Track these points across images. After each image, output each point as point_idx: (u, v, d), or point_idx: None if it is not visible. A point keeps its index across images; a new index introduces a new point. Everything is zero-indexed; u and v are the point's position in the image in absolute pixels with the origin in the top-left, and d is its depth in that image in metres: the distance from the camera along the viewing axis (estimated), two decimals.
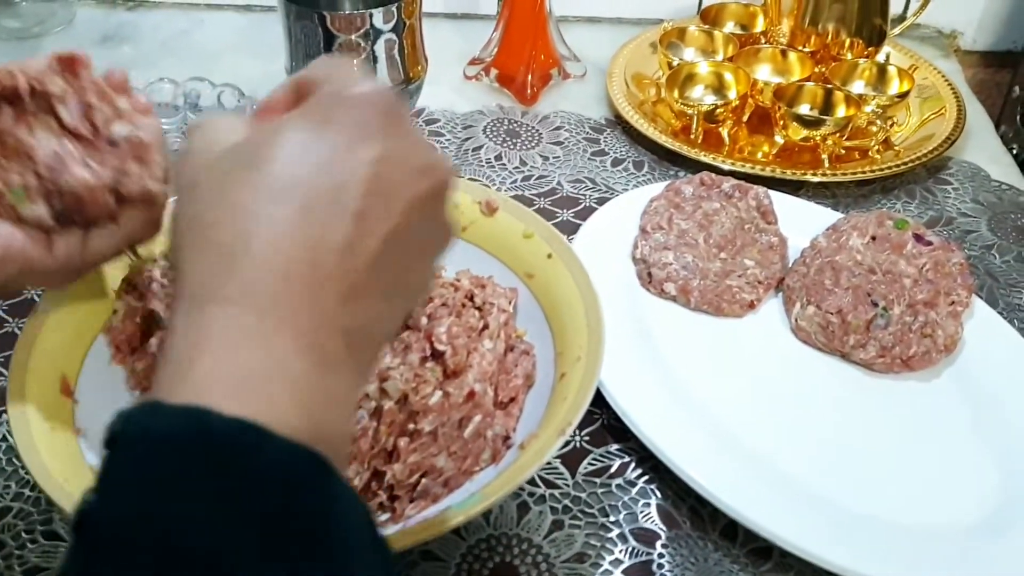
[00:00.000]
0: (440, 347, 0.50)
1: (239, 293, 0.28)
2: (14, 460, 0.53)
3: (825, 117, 0.78)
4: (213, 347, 0.27)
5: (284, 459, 0.26)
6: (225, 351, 0.27)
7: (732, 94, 0.81)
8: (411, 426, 0.48)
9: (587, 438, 0.56)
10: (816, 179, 0.76)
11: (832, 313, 0.60)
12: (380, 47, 0.65)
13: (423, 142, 0.33)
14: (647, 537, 0.51)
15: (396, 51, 0.66)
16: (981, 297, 0.65)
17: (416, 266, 0.33)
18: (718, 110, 0.79)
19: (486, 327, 0.53)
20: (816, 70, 0.84)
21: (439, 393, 0.49)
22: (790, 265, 0.66)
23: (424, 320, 0.52)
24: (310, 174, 0.29)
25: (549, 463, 0.53)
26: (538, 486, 0.53)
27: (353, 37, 0.64)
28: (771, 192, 0.69)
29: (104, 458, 0.26)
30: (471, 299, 0.55)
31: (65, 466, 0.44)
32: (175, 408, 0.26)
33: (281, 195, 0.28)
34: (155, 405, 0.26)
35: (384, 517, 0.48)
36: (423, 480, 0.48)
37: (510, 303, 0.56)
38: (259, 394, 0.27)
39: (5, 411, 0.54)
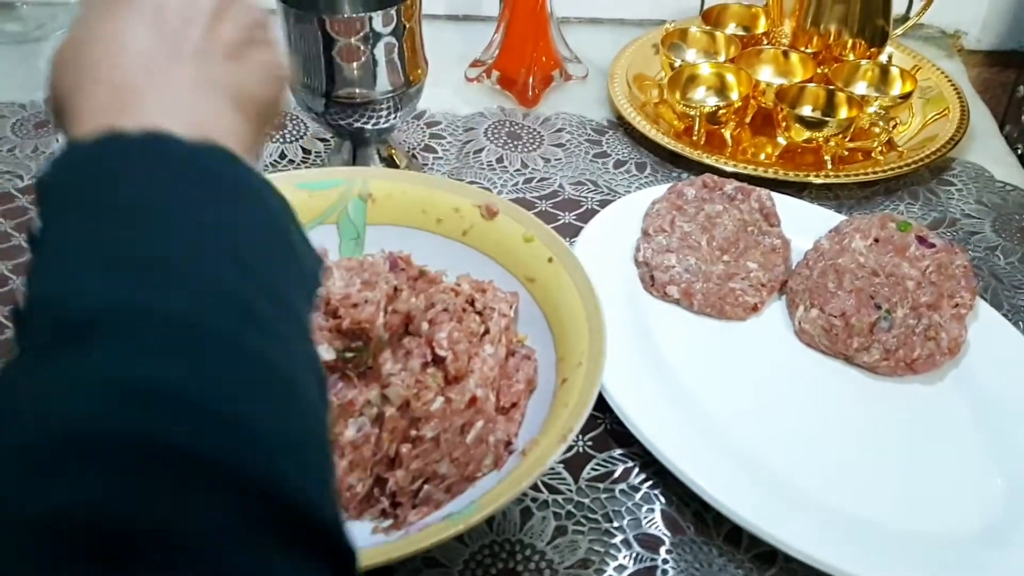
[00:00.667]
0: (441, 353, 0.50)
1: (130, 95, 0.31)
2: None
3: (827, 118, 0.77)
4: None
5: (197, 148, 0.30)
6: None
7: (734, 95, 0.81)
8: (413, 432, 0.48)
9: (590, 443, 0.55)
10: (819, 181, 0.75)
11: (835, 316, 0.60)
12: (380, 50, 0.65)
13: None
14: (651, 543, 0.50)
15: (396, 54, 0.65)
16: (985, 299, 0.64)
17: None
18: (720, 111, 0.79)
19: (487, 332, 0.53)
20: (818, 71, 0.83)
21: (441, 399, 0.48)
22: (793, 268, 0.65)
23: (425, 326, 0.51)
24: None
25: (552, 468, 0.53)
26: (541, 492, 0.52)
27: (352, 41, 0.63)
28: (774, 194, 0.69)
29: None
30: (472, 304, 0.55)
31: None
32: (90, 138, 0.29)
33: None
34: (72, 142, 0.30)
35: (386, 524, 0.48)
36: (425, 486, 0.48)
37: (511, 308, 0.56)
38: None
39: None
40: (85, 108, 0.30)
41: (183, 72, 0.32)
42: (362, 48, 0.64)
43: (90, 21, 0.33)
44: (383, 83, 0.66)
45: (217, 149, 0.30)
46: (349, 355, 0.49)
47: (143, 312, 0.25)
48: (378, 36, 0.64)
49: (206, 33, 0.33)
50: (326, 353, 0.49)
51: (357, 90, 0.66)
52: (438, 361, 0.50)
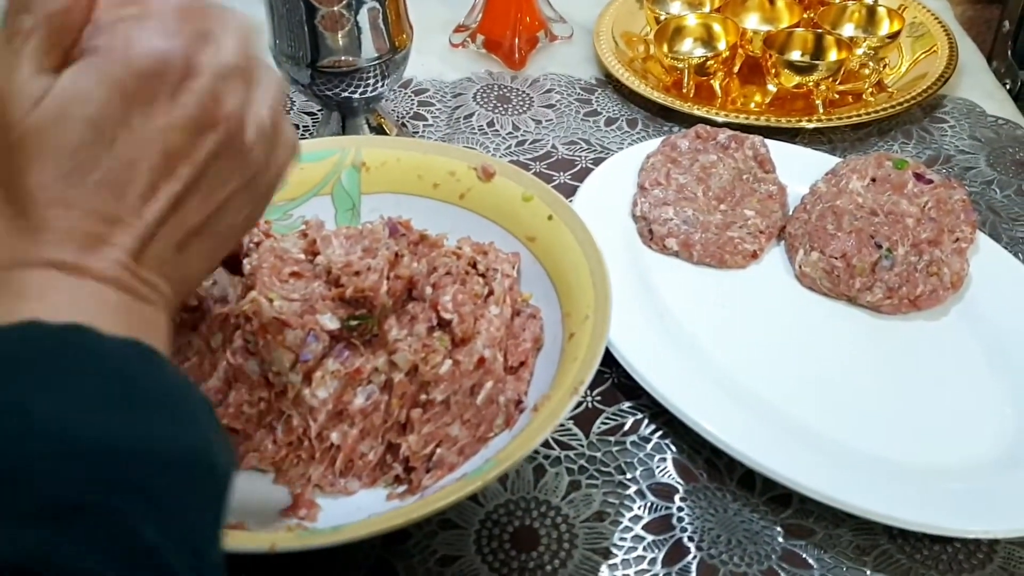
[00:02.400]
0: (447, 316, 0.50)
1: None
2: None
3: (817, 62, 0.77)
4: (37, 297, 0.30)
5: (118, 348, 0.29)
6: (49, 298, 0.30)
7: (722, 45, 0.80)
8: (423, 396, 0.48)
9: (598, 398, 0.55)
10: (811, 125, 0.75)
11: (836, 258, 0.60)
12: (364, 17, 0.64)
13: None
14: (665, 492, 0.51)
15: (380, 20, 0.65)
16: (984, 232, 0.64)
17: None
18: (708, 62, 0.78)
19: (491, 293, 0.53)
20: (805, 16, 0.83)
21: (449, 362, 0.48)
22: (791, 213, 0.65)
23: (429, 290, 0.51)
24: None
25: (562, 425, 0.53)
26: (553, 448, 0.53)
27: (336, 8, 0.63)
28: (767, 141, 0.69)
29: None
30: (474, 266, 0.54)
31: None
32: (11, 326, 0.28)
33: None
34: None
35: (401, 489, 0.48)
36: (438, 450, 0.48)
37: (513, 268, 0.55)
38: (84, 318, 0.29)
39: None
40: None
41: (122, 267, 0.31)
42: (345, 15, 0.63)
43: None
44: (368, 50, 0.65)
45: (139, 349, 0.29)
46: (353, 323, 0.49)
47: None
48: (361, 2, 0.63)
49: (168, 213, 0.32)
50: (330, 323, 0.48)
51: (343, 58, 0.65)
52: (444, 324, 0.50)
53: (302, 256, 0.52)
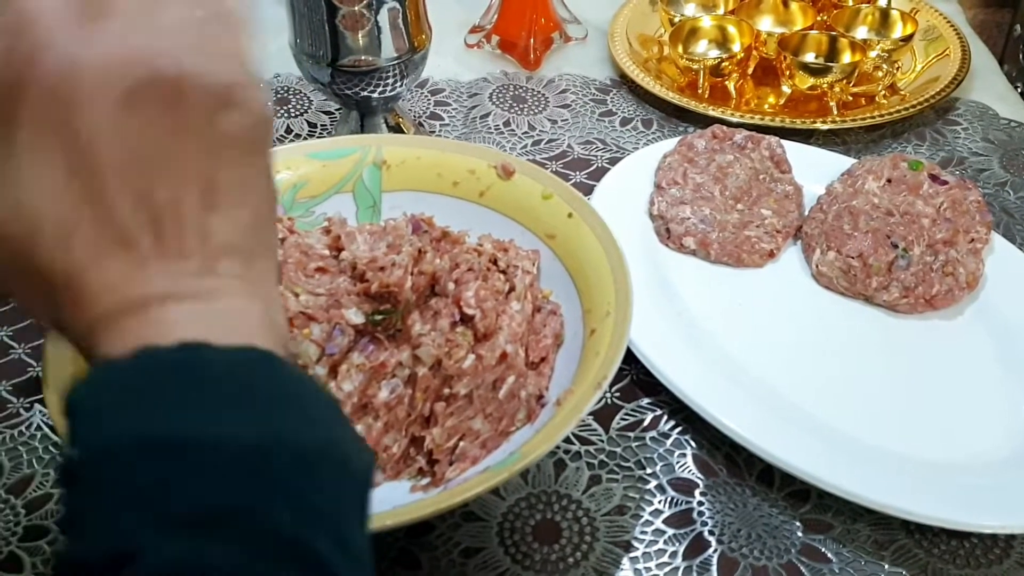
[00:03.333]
0: (469, 311, 0.51)
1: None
2: (51, 448, 0.53)
3: (831, 64, 0.77)
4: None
5: (230, 361, 0.28)
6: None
7: (736, 47, 0.81)
8: (446, 390, 0.49)
9: (618, 394, 0.56)
10: (825, 127, 0.76)
11: (853, 257, 0.60)
12: (384, 17, 0.64)
13: None
14: (685, 486, 0.51)
15: (400, 20, 0.65)
16: (998, 233, 0.65)
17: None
18: (723, 63, 0.79)
19: (512, 289, 0.53)
20: (819, 18, 0.83)
21: (472, 356, 0.49)
22: (807, 213, 0.66)
23: (451, 286, 0.52)
24: None
25: (583, 420, 0.53)
26: (573, 443, 0.53)
27: (356, 8, 0.63)
28: (783, 141, 0.69)
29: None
30: (495, 263, 0.55)
31: None
32: (125, 358, 0.27)
33: None
34: (105, 362, 0.28)
35: (424, 482, 0.49)
36: (461, 443, 0.49)
37: (533, 264, 0.56)
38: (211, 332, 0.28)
39: (37, 402, 0.55)
40: (97, 285, 0.28)
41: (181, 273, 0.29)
42: (366, 15, 0.64)
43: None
44: (388, 50, 0.66)
45: (256, 354, 0.28)
46: (378, 318, 0.50)
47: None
48: (381, 2, 0.63)
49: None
50: (355, 317, 0.49)
51: (363, 57, 0.66)
52: (467, 320, 0.51)
53: (326, 252, 0.53)
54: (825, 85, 0.77)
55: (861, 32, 0.82)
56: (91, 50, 0.28)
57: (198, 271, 0.29)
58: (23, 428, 0.54)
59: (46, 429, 0.54)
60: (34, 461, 0.52)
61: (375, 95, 0.68)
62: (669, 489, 0.51)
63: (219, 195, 0.30)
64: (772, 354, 0.56)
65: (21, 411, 0.55)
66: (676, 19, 0.83)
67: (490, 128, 0.77)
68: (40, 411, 0.54)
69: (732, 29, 0.81)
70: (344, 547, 0.27)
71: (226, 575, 0.24)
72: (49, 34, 0.27)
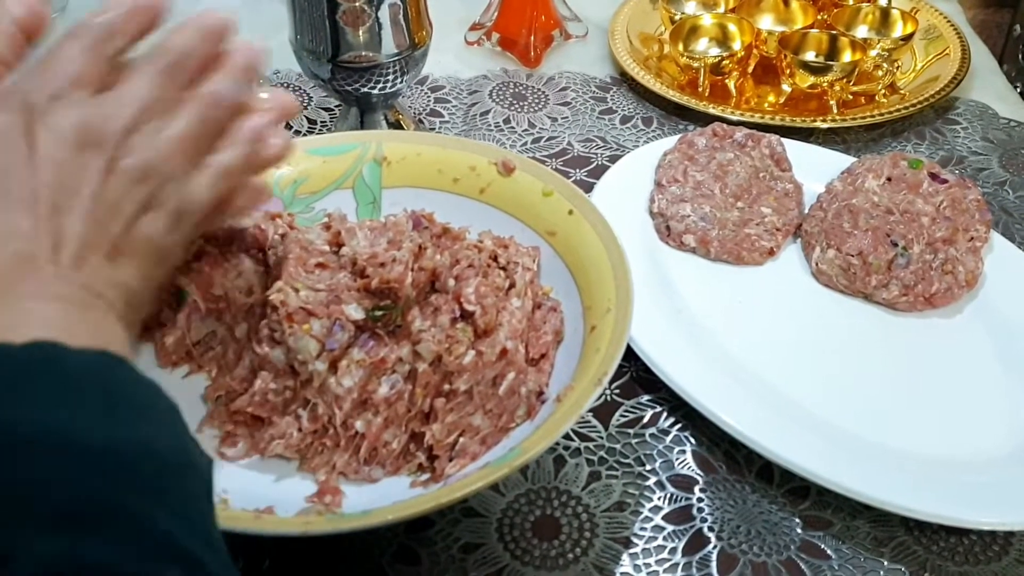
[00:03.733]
0: (470, 307, 0.50)
1: None
2: None
3: (831, 63, 0.77)
4: None
5: (82, 362, 0.30)
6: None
7: (737, 45, 0.81)
8: (446, 386, 0.49)
9: (617, 391, 0.56)
10: (825, 125, 0.76)
11: (853, 255, 0.60)
12: (384, 13, 0.64)
13: None
14: (685, 483, 0.51)
15: (401, 16, 0.65)
16: (998, 232, 0.65)
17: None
18: (724, 62, 0.79)
19: (512, 286, 0.53)
20: (819, 17, 0.84)
21: (472, 352, 0.49)
22: (807, 211, 0.66)
23: (452, 282, 0.52)
24: None
25: (582, 417, 0.53)
26: (573, 440, 0.53)
27: (357, 4, 0.63)
28: (783, 139, 0.69)
29: None
30: (495, 259, 0.55)
31: None
32: None
33: None
34: None
35: (424, 477, 0.49)
36: (461, 439, 0.49)
37: (534, 261, 0.56)
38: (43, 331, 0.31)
39: None
40: None
41: (59, 281, 0.33)
42: (367, 11, 0.64)
43: None
44: (389, 46, 0.66)
45: (107, 357, 0.30)
46: (378, 313, 0.50)
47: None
48: None
49: (85, 227, 0.34)
50: (355, 312, 0.49)
51: (363, 53, 0.66)
52: (467, 316, 0.50)
53: (327, 247, 0.53)
54: (825, 84, 0.77)
55: (861, 31, 0.83)
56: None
57: (81, 288, 0.33)
58: None
59: None
60: None
61: (375, 91, 0.68)
62: (669, 485, 0.51)
63: (118, 255, 0.35)
64: (772, 351, 0.56)
65: None
66: (677, 17, 0.83)
67: (490, 125, 0.77)
68: None
69: (732, 27, 0.81)
70: (210, 544, 0.28)
71: (105, 574, 0.24)
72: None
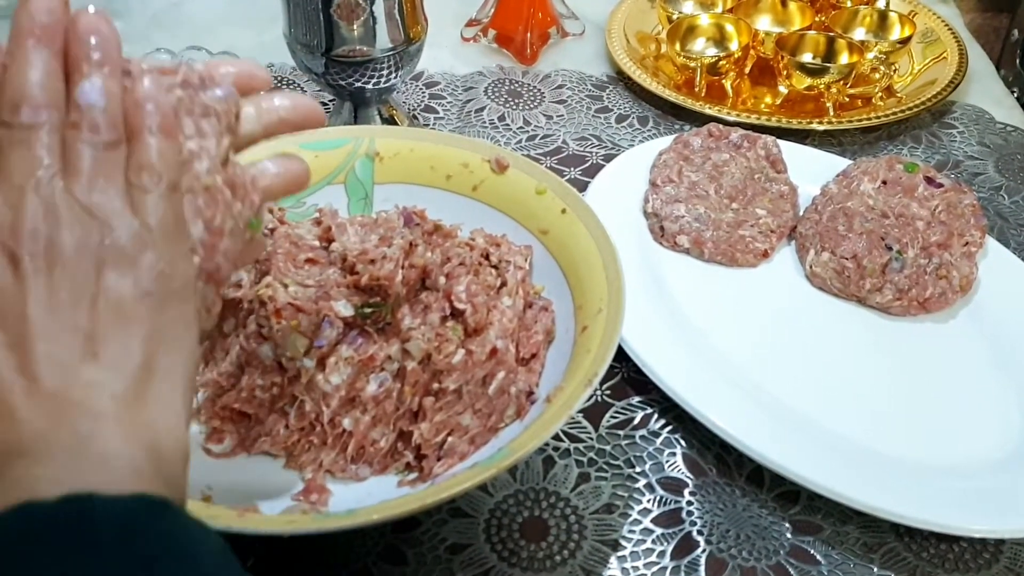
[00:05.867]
0: (460, 306, 0.50)
1: None
2: None
3: (828, 65, 0.77)
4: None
5: (118, 515, 0.26)
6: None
7: (734, 45, 0.80)
8: (435, 385, 0.48)
9: (608, 392, 0.56)
10: (822, 127, 0.75)
11: (847, 258, 0.60)
12: (379, 7, 0.64)
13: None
14: (674, 486, 0.51)
15: (396, 11, 0.65)
16: (992, 237, 0.65)
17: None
18: (721, 62, 0.78)
19: (504, 284, 0.53)
20: (817, 19, 0.83)
21: (462, 351, 0.48)
22: (801, 213, 0.65)
23: (442, 280, 0.51)
24: None
25: (572, 417, 0.52)
26: (562, 440, 0.53)
27: None
28: (779, 141, 0.69)
29: None
30: (487, 257, 0.54)
31: None
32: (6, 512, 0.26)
33: None
34: None
35: (412, 476, 0.48)
36: (449, 438, 0.48)
37: (525, 260, 0.56)
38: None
39: None
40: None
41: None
42: (362, 5, 0.63)
43: None
44: (383, 41, 0.65)
45: (147, 504, 0.27)
46: (368, 311, 0.49)
47: None
48: None
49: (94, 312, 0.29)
50: (344, 309, 0.48)
51: (357, 48, 0.65)
52: (457, 314, 0.50)
53: (316, 243, 0.52)
54: (822, 86, 0.77)
55: (859, 33, 0.82)
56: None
57: (74, 413, 0.28)
58: None
59: None
60: None
61: (369, 86, 0.68)
62: (658, 488, 0.51)
63: (99, 345, 0.29)
64: (764, 354, 0.56)
65: None
66: (674, 16, 0.82)
67: (485, 122, 0.77)
68: None
69: (730, 28, 0.81)
70: None
71: None
72: None
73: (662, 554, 0.48)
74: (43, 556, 0.25)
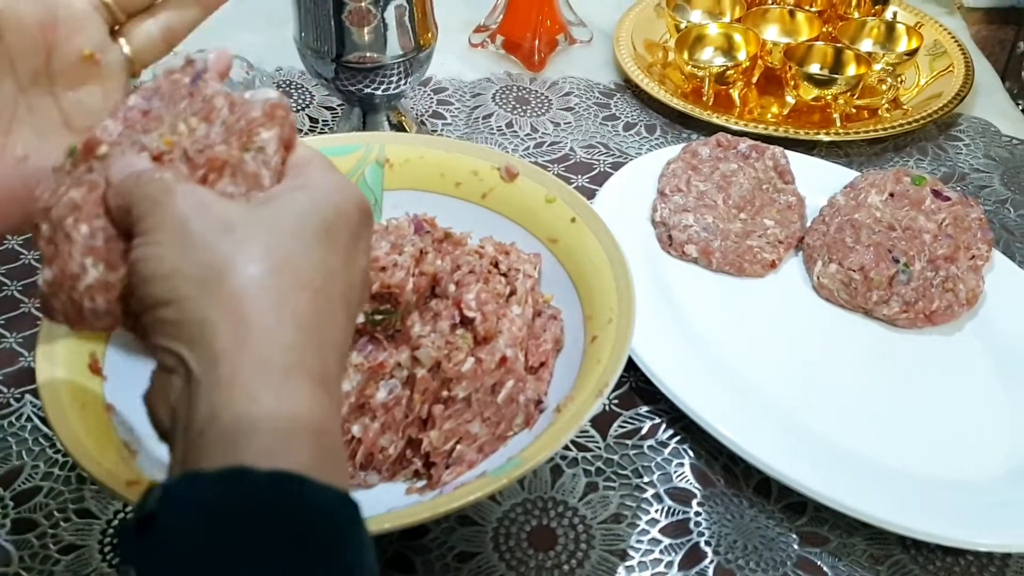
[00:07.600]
0: (470, 314, 0.50)
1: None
2: (40, 440, 0.52)
3: (836, 76, 0.77)
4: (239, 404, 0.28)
5: (324, 509, 0.28)
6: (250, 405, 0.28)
7: (742, 55, 0.80)
8: (445, 393, 0.48)
9: (616, 401, 0.56)
10: (828, 139, 0.76)
11: (854, 270, 0.60)
12: (391, 14, 0.64)
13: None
14: (682, 496, 0.51)
15: (407, 18, 0.65)
16: (998, 250, 0.65)
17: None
18: (728, 72, 0.79)
19: (513, 293, 0.53)
20: (824, 30, 0.83)
21: (471, 359, 0.48)
22: (809, 224, 0.66)
23: (452, 287, 0.51)
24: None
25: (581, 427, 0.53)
26: (570, 449, 0.53)
27: (363, 4, 0.63)
28: (787, 152, 0.69)
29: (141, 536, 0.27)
30: (496, 266, 0.54)
31: (99, 443, 0.44)
32: (213, 473, 0.27)
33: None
34: (193, 475, 0.27)
35: (420, 484, 0.48)
36: (458, 446, 0.48)
37: (535, 268, 0.56)
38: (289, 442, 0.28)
39: (28, 393, 0.54)
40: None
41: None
42: (373, 11, 0.63)
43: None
44: (394, 47, 0.66)
45: (346, 503, 0.29)
46: (378, 318, 0.49)
47: None
48: None
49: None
50: None
51: (368, 54, 0.65)
52: (467, 322, 0.50)
53: None
54: (829, 96, 0.77)
55: (866, 45, 0.82)
56: None
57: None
58: (13, 419, 0.53)
59: (36, 421, 0.53)
60: (24, 453, 0.51)
61: (378, 92, 0.68)
62: (666, 498, 0.51)
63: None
64: (771, 365, 0.56)
65: (12, 401, 0.54)
66: (682, 25, 0.83)
67: (492, 129, 0.77)
68: (31, 402, 0.54)
69: (738, 37, 0.81)
70: None
71: None
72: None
73: (670, 564, 0.48)
74: (242, 543, 0.26)
